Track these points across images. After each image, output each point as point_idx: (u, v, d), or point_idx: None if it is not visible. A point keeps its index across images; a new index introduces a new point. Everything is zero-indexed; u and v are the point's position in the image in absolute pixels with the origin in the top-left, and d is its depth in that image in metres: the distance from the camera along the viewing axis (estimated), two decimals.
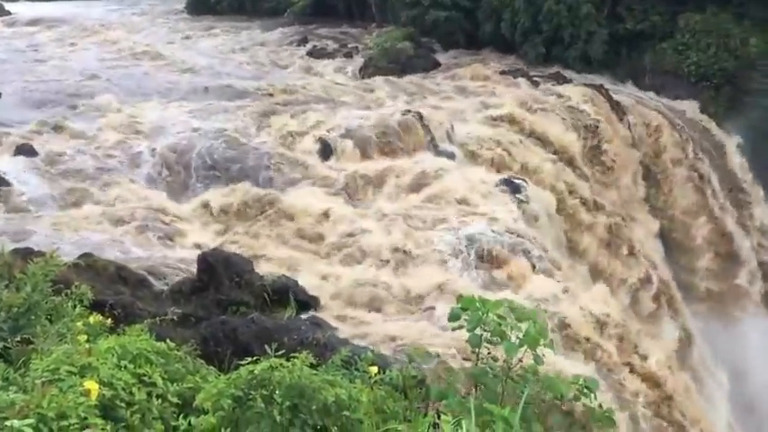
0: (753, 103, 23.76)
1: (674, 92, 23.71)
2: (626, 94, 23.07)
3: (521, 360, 4.80)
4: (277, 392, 3.41)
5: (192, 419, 3.64)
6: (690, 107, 23.22)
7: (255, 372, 3.52)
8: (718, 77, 23.90)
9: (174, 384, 3.92)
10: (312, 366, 5.27)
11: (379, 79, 22.50)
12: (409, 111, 17.32)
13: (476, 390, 5.19)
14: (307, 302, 9.83)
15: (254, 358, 3.86)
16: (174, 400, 3.79)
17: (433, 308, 9.32)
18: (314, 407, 3.47)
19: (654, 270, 17.74)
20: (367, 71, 24.29)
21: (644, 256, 17.78)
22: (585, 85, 22.20)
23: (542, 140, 18.20)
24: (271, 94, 18.87)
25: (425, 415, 4.46)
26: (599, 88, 21.78)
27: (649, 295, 17.00)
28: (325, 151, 15.08)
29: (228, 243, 11.14)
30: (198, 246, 10.71)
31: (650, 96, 23.49)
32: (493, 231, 12.41)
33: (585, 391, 4.95)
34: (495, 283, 11.05)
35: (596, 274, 15.81)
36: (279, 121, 15.82)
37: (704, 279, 20.46)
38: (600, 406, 4.82)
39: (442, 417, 3.70)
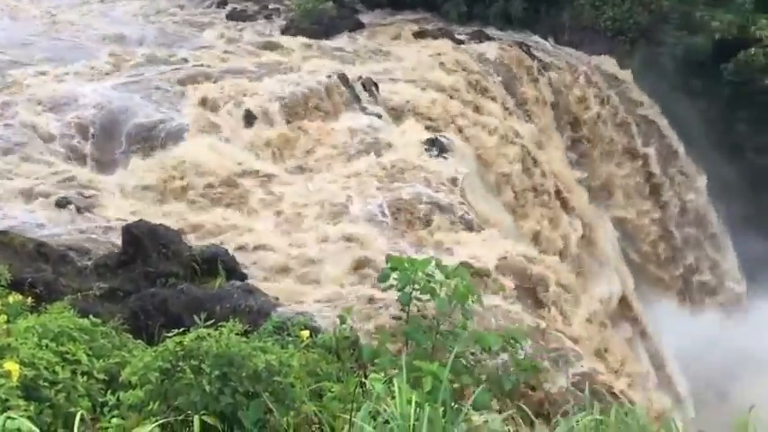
0: (666, 55, 24.59)
1: (591, 47, 24.22)
2: (541, 49, 23.43)
3: (449, 316, 4.92)
4: (206, 362, 3.40)
5: (121, 394, 3.60)
6: (607, 61, 23.80)
7: (183, 343, 3.49)
8: (633, 31, 24.55)
9: (100, 360, 3.85)
10: (245, 333, 5.27)
11: (300, 40, 22.11)
12: (333, 73, 17.16)
13: (407, 347, 5.30)
14: (237, 270, 9.75)
15: (183, 329, 3.83)
16: (101, 376, 3.73)
17: (363, 268, 9.39)
18: (244, 374, 3.47)
19: (578, 220, 18.33)
20: (289, 33, 23.82)
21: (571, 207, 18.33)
22: (506, 42, 22.47)
23: (465, 99, 18.35)
24: (187, 60, 18.31)
25: (357, 375, 4.52)
26: (519, 45, 22.06)
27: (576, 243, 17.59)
28: (249, 117, 14.81)
29: (154, 214, 10.89)
30: (122, 219, 10.43)
31: (569, 52, 23.93)
32: (421, 190, 12.54)
33: (512, 342, 5.13)
34: (424, 243, 11.19)
35: (524, 228, 16.22)
36: (199, 88, 15.40)
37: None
38: (525, 356, 4.99)
39: (371, 375, 3.75)
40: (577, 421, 3.97)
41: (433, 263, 5.04)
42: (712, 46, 24.41)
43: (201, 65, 17.93)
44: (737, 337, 19.06)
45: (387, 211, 11.77)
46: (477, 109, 18.27)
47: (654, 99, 23.34)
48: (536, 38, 24.60)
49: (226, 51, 19.80)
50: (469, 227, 12.23)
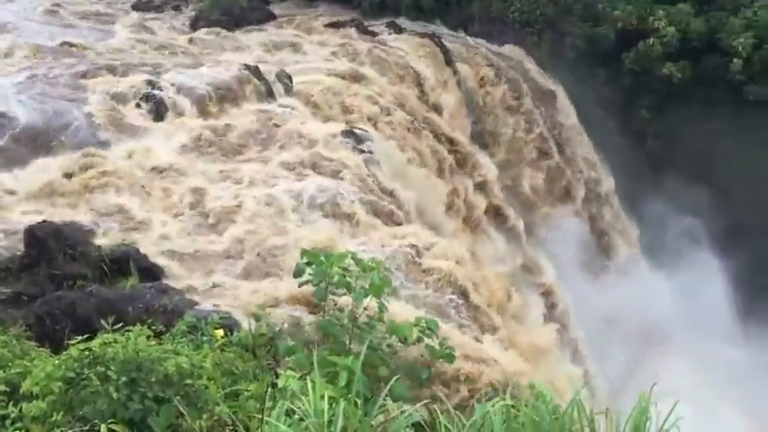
0: (571, 45, 25.42)
1: (501, 38, 24.74)
2: (452, 39, 23.77)
3: (366, 309, 4.94)
4: (112, 368, 3.29)
5: (24, 406, 3.44)
6: (516, 52, 24.36)
7: (89, 349, 3.37)
8: (540, 23, 25.26)
9: (0, 371, 3.68)
10: (158, 335, 5.13)
11: (211, 32, 21.67)
12: (245, 65, 16.88)
13: (324, 341, 5.30)
14: (150, 269, 9.47)
15: (89, 335, 3.70)
16: (1, 387, 3.56)
17: (279, 264, 9.30)
18: (153, 379, 3.38)
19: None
20: (198, 25, 23.26)
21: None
22: (418, 34, 22.67)
23: (380, 91, 18.40)
24: (92, 53, 17.64)
25: (274, 372, 4.49)
26: (431, 37, 22.30)
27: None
28: (159, 111, 14.40)
29: (58, 213, 10.45)
30: (23, 221, 9.96)
31: (479, 43, 24.35)
32: (337, 183, 12.51)
33: (428, 331, 5.20)
34: (341, 235, 11.17)
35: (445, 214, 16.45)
36: (104, 82, 14.85)
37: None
38: (441, 344, 5.09)
39: (283, 372, 3.73)
40: (492, 405, 4.07)
41: (349, 257, 5.05)
42: (614, 36, 25.37)
43: (107, 57, 17.31)
44: (637, 310, 19.97)
45: (304, 204, 11.68)
46: (392, 99, 18.36)
47: (562, 88, 24.05)
48: (446, 29, 24.92)
49: (132, 43, 19.19)
50: (388, 217, 12.29)
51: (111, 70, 15.86)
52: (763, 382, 19.56)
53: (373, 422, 3.99)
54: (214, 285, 9.20)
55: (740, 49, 23.84)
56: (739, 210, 23.78)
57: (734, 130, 23.98)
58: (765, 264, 22.92)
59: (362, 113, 16.88)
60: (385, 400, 4.55)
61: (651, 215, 23.88)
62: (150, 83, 14.92)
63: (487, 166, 20.07)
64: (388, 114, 17.45)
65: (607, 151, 24.50)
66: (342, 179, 12.79)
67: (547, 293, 18.20)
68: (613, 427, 4.06)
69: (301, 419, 3.57)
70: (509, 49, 24.26)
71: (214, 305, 8.03)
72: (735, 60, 23.94)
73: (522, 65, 23.90)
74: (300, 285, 4.88)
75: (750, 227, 23.42)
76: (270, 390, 3.90)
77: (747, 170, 23.79)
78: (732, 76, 24.16)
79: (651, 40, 24.85)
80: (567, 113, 24.13)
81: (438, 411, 4.45)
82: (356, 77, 18.23)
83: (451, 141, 18.83)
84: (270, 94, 16.15)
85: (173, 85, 14.99)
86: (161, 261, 9.55)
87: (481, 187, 18.99)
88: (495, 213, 19.02)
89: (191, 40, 20.71)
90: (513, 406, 4.11)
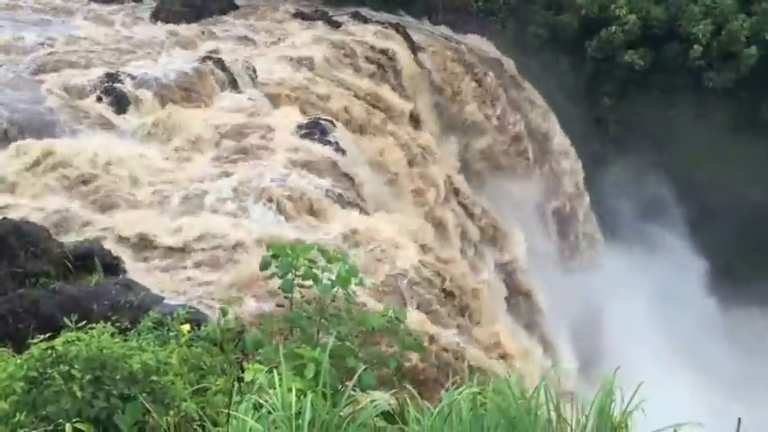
0: (534, 34, 25.62)
1: (465, 27, 24.84)
2: (416, 29, 23.80)
3: (333, 300, 4.94)
4: (76, 367, 3.26)
5: None
6: (480, 41, 24.47)
7: (52, 348, 3.32)
8: (504, 11, 25.40)
9: None
10: (124, 331, 5.07)
11: (173, 24, 21.37)
12: (209, 56, 16.70)
13: (292, 334, 5.29)
14: (114, 265, 9.35)
15: (51, 333, 3.65)
16: None
17: (244, 255, 9.26)
18: (118, 377, 3.35)
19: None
20: (159, 16, 22.92)
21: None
22: (382, 24, 22.62)
23: (345, 82, 18.36)
24: (51, 45, 17.28)
25: (241, 366, 4.47)
26: (395, 27, 22.28)
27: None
28: (121, 103, 14.18)
29: (21, 209, 10.26)
30: None
31: (443, 32, 24.41)
32: (301, 174, 12.47)
33: (396, 321, 5.22)
34: (306, 227, 11.16)
35: (409, 203, 16.50)
36: (64, 74, 14.58)
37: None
38: (409, 333, 5.11)
39: (249, 366, 3.72)
40: (460, 393, 4.11)
41: (315, 248, 5.04)
42: (577, 24, 25.61)
43: (66, 51, 16.98)
44: (601, 296, 20.30)
45: (268, 196, 11.63)
46: (358, 90, 18.32)
47: (525, 76, 24.23)
48: (410, 18, 24.91)
49: (93, 36, 18.82)
50: (354, 208, 12.30)
51: (71, 64, 15.59)
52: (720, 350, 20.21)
53: (342, 413, 4.01)
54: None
55: (699, 35, 24.23)
56: (699, 193, 24.27)
57: (694, 115, 24.43)
58: (726, 243, 23.48)
59: (328, 104, 16.83)
60: (354, 390, 4.57)
61: (613, 199, 24.22)
62: (111, 76, 14.68)
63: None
64: (354, 105, 17.43)
65: (571, 137, 24.77)
66: (308, 170, 12.75)
67: (510, 273, 18.37)
68: (579, 410, 4.13)
69: (269, 413, 3.57)
70: (474, 39, 24.35)
71: (183, 300, 7.97)
72: (694, 47, 24.32)
73: (488, 53, 24.02)
74: (266, 278, 4.86)
75: (711, 209, 23.93)
76: (237, 384, 3.89)
77: (707, 155, 24.28)
78: (692, 63, 24.56)
79: (613, 27, 25.14)
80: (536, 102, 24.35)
81: (407, 400, 4.49)
82: (322, 69, 18.16)
83: (418, 132, 18.86)
84: (234, 86, 16.01)
85: (134, 78, 14.77)
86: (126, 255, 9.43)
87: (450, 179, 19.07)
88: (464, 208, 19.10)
89: (152, 32, 20.40)
90: (480, 393, 4.15)
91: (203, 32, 20.91)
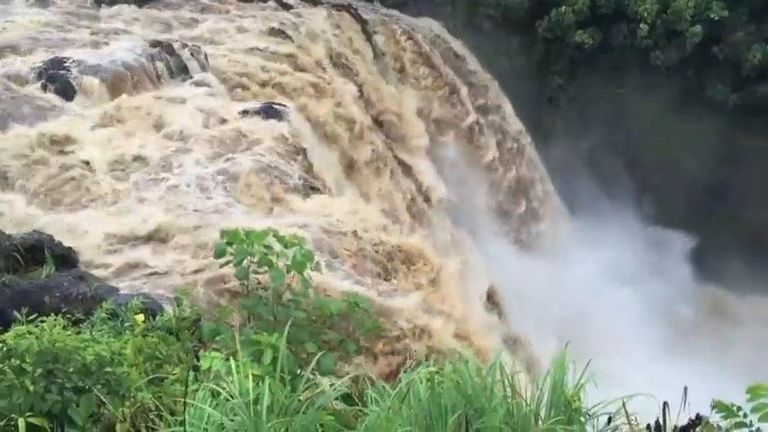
0: (486, 15, 25.74)
1: (416, 8, 24.82)
2: (369, 11, 23.68)
3: (289, 285, 4.93)
4: (28, 361, 3.20)
5: None
6: (431, 23, 24.48)
7: (2, 342, 3.26)
8: None
9: None
10: (77, 323, 4.99)
11: (118, 8, 20.83)
12: (157, 42, 16.36)
13: (250, 321, 5.27)
14: (66, 256, 9.18)
15: (1, 329, 3.58)
16: None
17: (198, 245, 9.16)
18: (71, 369, 3.31)
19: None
20: (105, 0, 22.34)
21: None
22: (333, 6, 22.46)
23: (300, 65, 18.19)
24: None
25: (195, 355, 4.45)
26: (347, 8, 22.15)
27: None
28: (67, 91, 13.82)
29: None
30: None
31: (394, 14, 24.34)
32: (256, 160, 12.37)
33: (354, 305, 5.24)
34: (263, 212, 11.09)
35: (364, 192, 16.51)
36: (4, 63, 14.13)
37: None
38: (369, 317, 5.14)
39: (203, 354, 3.70)
40: (418, 374, 4.16)
41: (271, 234, 5.02)
42: (528, 5, 25.81)
43: (6, 36, 16.43)
44: (559, 276, 20.68)
45: (223, 181, 11.52)
46: (310, 73, 18.18)
47: (477, 58, 24.36)
48: (363, 2, 24.77)
49: (35, 20, 18.25)
50: (311, 191, 12.26)
51: (14, 49, 15.11)
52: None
53: (301, 397, 4.02)
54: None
55: (645, 14, 24.63)
56: (647, 168, 24.85)
57: (642, 93, 24.91)
58: (670, 215, 24.15)
59: (282, 88, 16.68)
60: (314, 374, 4.59)
61: (565, 175, 24.60)
62: (55, 62, 14.28)
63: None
64: (308, 88, 17.31)
65: (524, 116, 25.03)
66: (263, 154, 12.65)
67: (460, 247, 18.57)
68: (533, 385, 4.22)
69: (228, 400, 3.57)
70: (425, 21, 24.36)
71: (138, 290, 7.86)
72: (641, 26, 24.73)
73: (438, 35, 24.05)
74: (222, 266, 4.83)
75: (657, 183, 24.54)
76: (194, 372, 3.87)
77: (655, 131, 24.83)
78: (639, 42, 24.98)
79: (563, 8, 25.41)
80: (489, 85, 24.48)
81: (367, 382, 4.53)
82: (273, 52, 17.95)
83: (376, 120, 18.83)
84: (184, 71, 15.73)
85: (78, 64, 14.40)
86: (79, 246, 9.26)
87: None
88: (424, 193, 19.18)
89: (97, 17, 19.87)
90: (438, 372, 4.21)
91: (150, 16, 20.44)
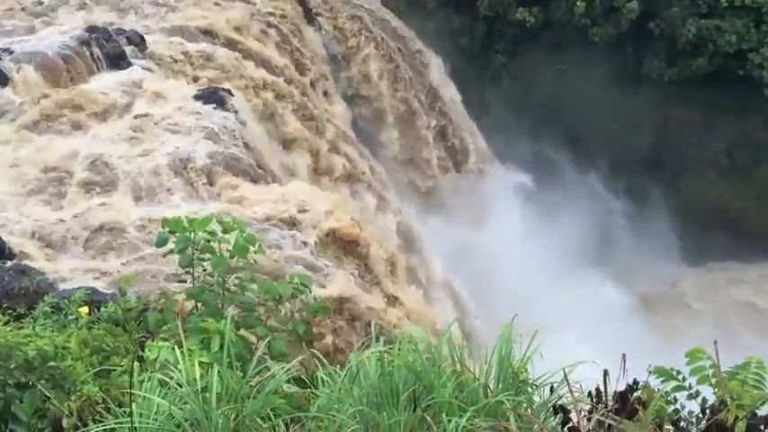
0: None
1: None
2: None
3: (236, 270, 4.91)
4: None
5: None
6: (374, 3, 24.35)
7: None
8: None
9: None
10: (19, 318, 4.89)
11: None
12: (95, 27, 15.89)
13: (197, 309, 5.23)
14: (6, 250, 8.96)
15: None
16: None
17: (148, 234, 9.03)
18: (13, 365, 3.25)
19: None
20: None
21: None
22: None
23: (243, 50, 17.90)
24: None
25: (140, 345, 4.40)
26: None
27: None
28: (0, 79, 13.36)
29: None
30: None
31: None
32: (201, 146, 12.20)
33: (302, 287, 5.25)
34: (210, 200, 10.97)
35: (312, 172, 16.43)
36: None
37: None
38: (315, 299, 5.16)
39: (150, 344, 3.67)
40: (368, 356, 4.20)
41: (214, 219, 4.98)
42: None
43: None
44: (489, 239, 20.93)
45: (166, 169, 11.35)
46: (255, 59, 17.93)
47: (421, 38, 24.36)
48: None
49: None
50: (255, 177, 12.16)
51: None
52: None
53: (252, 382, 4.03)
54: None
55: None
56: (588, 144, 25.36)
57: (582, 69, 25.32)
58: (613, 187, 24.77)
59: (224, 73, 16.40)
60: (264, 359, 4.59)
61: (510, 153, 24.88)
62: None
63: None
64: (250, 73, 17.07)
65: (468, 95, 25.18)
66: (207, 140, 12.48)
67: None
68: (481, 360, 4.30)
69: (177, 389, 3.55)
70: (368, 2, 24.21)
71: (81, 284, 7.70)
72: (578, 3, 25.04)
73: (382, 17, 23.95)
74: (164, 255, 4.77)
75: (598, 159, 25.07)
76: (140, 363, 3.83)
77: (595, 107, 25.33)
78: (578, 20, 25.32)
79: None
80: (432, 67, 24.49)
81: (318, 365, 4.56)
82: (217, 37, 17.64)
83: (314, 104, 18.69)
84: (121, 57, 15.34)
85: (11, 52, 13.91)
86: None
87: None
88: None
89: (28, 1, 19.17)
90: (387, 351, 4.26)
91: (89, 1, 19.82)
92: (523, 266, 20.44)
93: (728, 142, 25.44)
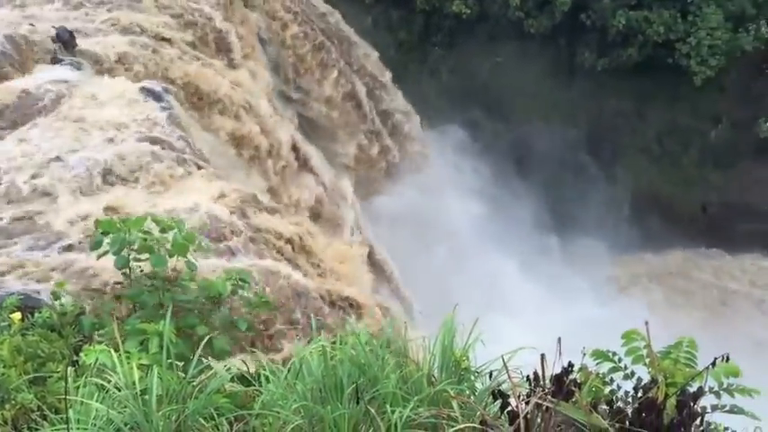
0: None
1: None
2: None
3: (174, 270, 4.83)
4: None
5: None
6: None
7: None
8: None
9: None
10: None
11: None
12: (20, 24, 15.33)
13: (135, 310, 5.13)
14: None
15: None
16: None
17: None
18: None
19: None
20: None
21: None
22: None
23: (178, 45, 17.54)
24: None
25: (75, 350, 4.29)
26: None
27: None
28: None
29: None
30: None
31: None
32: (138, 143, 11.93)
33: (241, 283, 5.21)
34: (149, 196, 10.73)
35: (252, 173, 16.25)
36: None
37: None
38: (255, 294, 5.12)
39: (86, 348, 3.59)
40: (311, 352, 4.20)
41: (149, 219, 4.88)
42: None
43: None
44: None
45: (105, 167, 11.06)
46: (192, 54, 17.60)
47: (358, 33, 24.31)
48: None
49: None
50: (195, 172, 11.95)
51: None
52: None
53: (195, 382, 3.98)
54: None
55: None
56: (525, 134, 25.79)
57: (518, 61, 25.71)
58: (552, 178, 25.27)
59: (159, 68, 16.06)
60: (207, 358, 4.54)
61: (449, 145, 25.12)
62: None
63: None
64: (188, 68, 16.76)
65: (408, 89, 25.26)
66: (145, 138, 12.20)
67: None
68: (424, 350, 4.34)
69: (116, 393, 3.48)
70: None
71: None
72: None
73: (317, 8, 23.80)
74: (99, 257, 4.66)
75: (535, 149, 25.52)
76: (77, 368, 3.74)
77: (531, 98, 25.78)
78: (512, 13, 25.69)
79: None
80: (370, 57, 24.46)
81: (262, 361, 4.52)
82: (144, 30, 17.22)
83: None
84: (53, 54, 14.83)
85: None
86: None
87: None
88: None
89: None
90: (331, 345, 4.26)
91: None
92: (464, 259, 20.73)
93: (659, 129, 26.25)
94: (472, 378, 4.17)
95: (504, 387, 3.72)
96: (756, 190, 25.48)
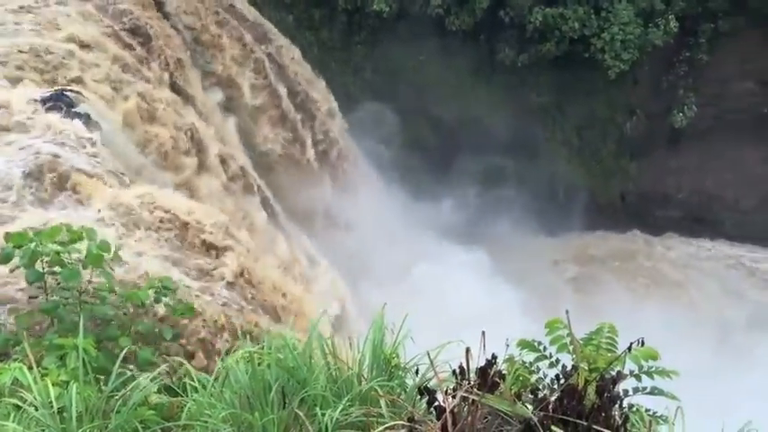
0: None
1: None
2: None
3: (90, 281, 4.66)
4: None
5: None
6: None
7: None
8: None
9: None
10: None
11: None
12: None
13: (53, 325, 4.93)
14: None
15: None
16: None
17: None
18: None
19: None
20: None
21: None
22: None
23: (95, 46, 16.95)
24: None
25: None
26: None
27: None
28: None
29: None
30: None
31: None
32: (51, 149, 11.48)
33: (164, 290, 5.07)
34: (66, 207, 10.35)
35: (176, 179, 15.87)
36: None
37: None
38: (180, 301, 4.99)
39: (5, 366, 3.44)
40: (237, 358, 4.12)
41: (64, 229, 4.70)
42: None
43: None
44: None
45: (15, 180, 10.59)
46: (111, 58, 17.03)
47: (281, 32, 24.06)
48: None
49: None
50: (112, 180, 11.59)
51: None
52: None
53: (117, 396, 3.86)
54: None
55: None
56: (450, 130, 26.14)
57: (441, 59, 26.00)
58: (484, 173, 25.70)
59: (71, 73, 15.48)
60: (131, 369, 4.40)
61: (375, 145, 25.18)
62: None
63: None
64: (107, 72, 16.22)
65: (334, 88, 25.17)
66: (61, 146, 11.74)
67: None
68: (355, 349, 4.33)
69: (34, 412, 3.34)
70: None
71: None
72: None
73: (240, 10, 23.46)
74: (12, 271, 4.45)
75: (460, 144, 25.89)
76: None
77: (454, 95, 26.12)
78: (432, 10, 25.94)
79: None
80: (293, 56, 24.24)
81: (189, 370, 4.42)
82: (55, 31, 16.58)
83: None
84: None
85: None
86: None
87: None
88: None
89: None
90: (258, 351, 4.20)
91: None
92: (395, 244, 20.87)
93: (578, 123, 27.04)
94: (401, 375, 4.18)
95: (433, 383, 3.74)
96: (670, 180, 26.60)
